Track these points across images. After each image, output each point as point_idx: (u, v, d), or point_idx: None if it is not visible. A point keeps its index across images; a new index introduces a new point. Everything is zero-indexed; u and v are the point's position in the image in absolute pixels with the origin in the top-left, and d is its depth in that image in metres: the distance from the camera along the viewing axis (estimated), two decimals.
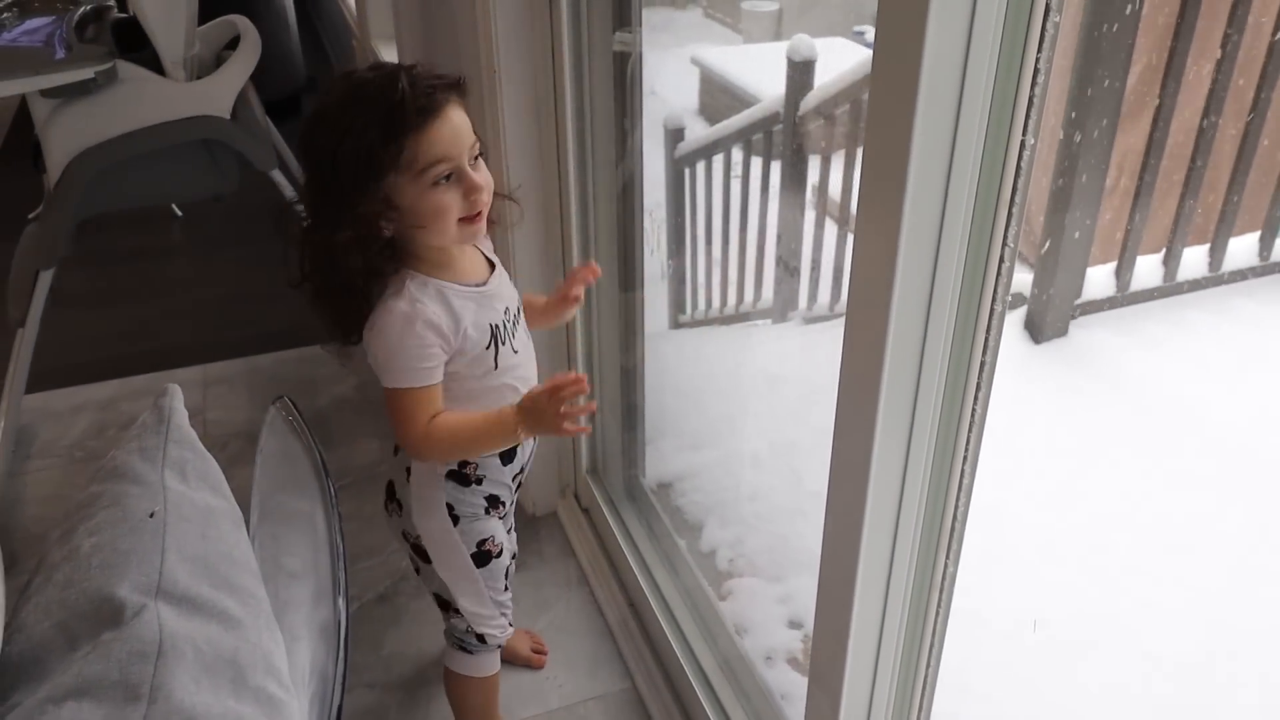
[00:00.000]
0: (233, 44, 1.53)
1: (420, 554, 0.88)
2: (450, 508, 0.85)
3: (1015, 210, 0.53)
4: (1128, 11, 1.51)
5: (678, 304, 2.15)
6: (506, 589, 0.93)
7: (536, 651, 1.17)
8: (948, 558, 0.65)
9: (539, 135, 1.15)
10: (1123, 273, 1.78)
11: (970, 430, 0.60)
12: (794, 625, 1.15)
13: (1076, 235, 1.68)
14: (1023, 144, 0.51)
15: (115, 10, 1.57)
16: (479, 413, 0.79)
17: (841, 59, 1.70)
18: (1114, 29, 1.51)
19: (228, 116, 1.47)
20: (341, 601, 0.71)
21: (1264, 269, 1.83)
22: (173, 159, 1.46)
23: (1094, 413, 1.59)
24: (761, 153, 1.91)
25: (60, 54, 1.35)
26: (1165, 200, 1.72)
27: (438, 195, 0.72)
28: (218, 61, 1.52)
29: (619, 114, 1.11)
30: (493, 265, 0.83)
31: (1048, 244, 1.71)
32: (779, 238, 1.90)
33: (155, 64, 1.42)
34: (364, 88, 0.71)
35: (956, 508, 0.63)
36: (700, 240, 2.15)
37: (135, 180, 1.46)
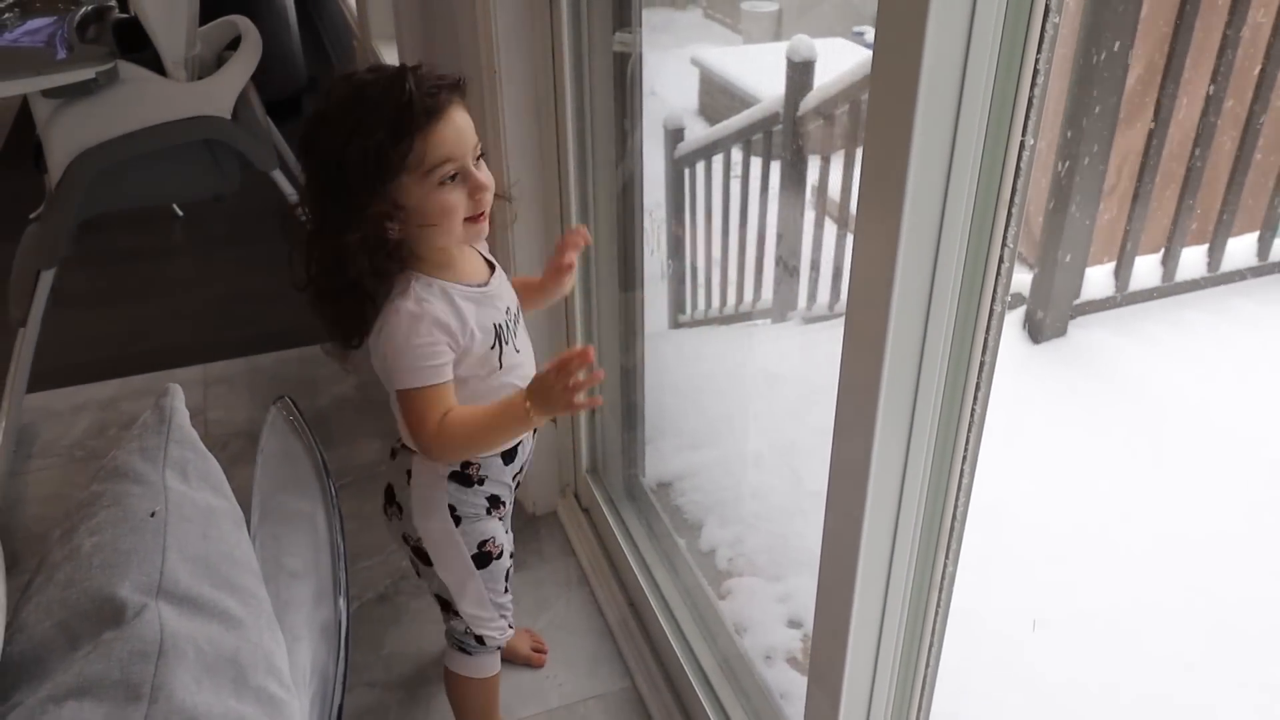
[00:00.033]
0: (234, 44, 1.53)
1: (421, 556, 0.88)
2: (452, 509, 0.85)
3: (1015, 210, 0.53)
4: (1127, 12, 1.51)
5: (677, 304, 2.15)
6: (506, 590, 0.93)
7: (536, 650, 1.17)
8: (947, 557, 0.65)
9: (539, 135, 1.15)
10: (1121, 273, 1.78)
11: (970, 430, 0.60)
12: (793, 624, 1.15)
13: (1076, 235, 1.68)
14: (1022, 144, 0.51)
15: (116, 10, 1.57)
16: (488, 405, 0.78)
17: (841, 59, 1.70)
18: (1113, 30, 1.51)
19: (229, 117, 1.47)
20: (342, 601, 0.71)
21: (1262, 269, 1.83)
22: (174, 159, 1.47)
23: (1093, 412, 1.59)
24: (761, 153, 1.91)
25: (62, 54, 1.35)
26: (1164, 200, 1.73)
27: (444, 195, 0.73)
28: (219, 62, 1.52)
29: (619, 114, 1.11)
30: (492, 266, 0.84)
31: (1046, 244, 1.71)
32: (779, 238, 1.90)
33: (156, 64, 1.43)
34: (369, 89, 0.71)
35: (956, 507, 0.63)
36: (700, 240, 2.15)
37: (136, 180, 1.46)
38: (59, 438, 1.59)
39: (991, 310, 0.57)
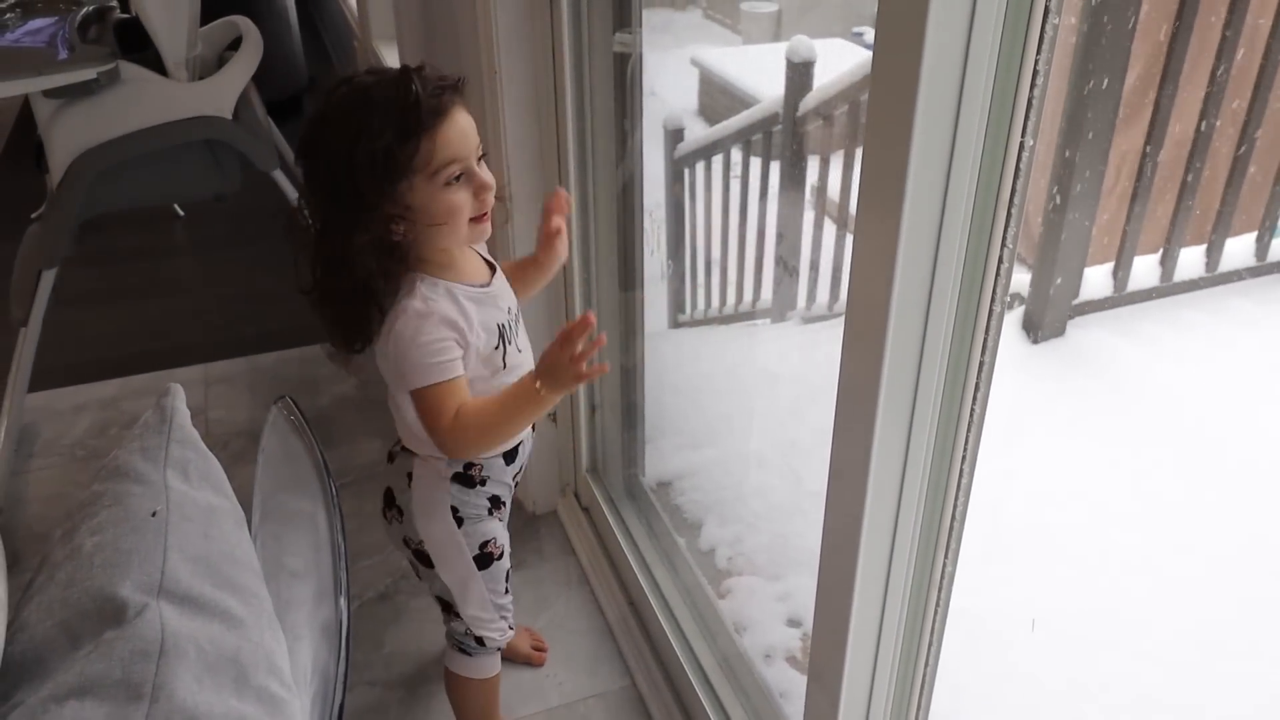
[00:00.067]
0: (235, 44, 1.53)
1: (422, 559, 0.88)
2: (455, 510, 0.85)
3: (1014, 211, 0.54)
4: (1126, 13, 1.51)
5: (677, 304, 2.16)
6: (507, 591, 0.93)
7: (536, 649, 1.17)
8: (946, 556, 0.65)
9: (539, 135, 1.15)
10: (1120, 273, 1.78)
11: (969, 429, 0.60)
12: (793, 623, 1.15)
13: (1074, 235, 1.68)
14: (1022, 145, 0.52)
15: (118, 11, 1.57)
16: (499, 394, 0.77)
17: (840, 60, 1.71)
18: (1112, 31, 1.51)
19: (230, 117, 1.47)
20: (343, 601, 0.71)
21: (1260, 269, 1.84)
22: (175, 159, 1.47)
23: (1091, 412, 1.59)
24: (761, 153, 1.91)
25: (63, 54, 1.36)
26: (1162, 201, 1.73)
27: (450, 195, 0.73)
28: (220, 62, 1.52)
29: (619, 114, 1.11)
30: (492, 267, 0.84)
31: (1045, 244, 1.71)
32: (778, 238, 1.90)
33: (157, 64, 1.43)
34: (372, 90, 0.71)
35: (955, 506, 0.63)
36: (700, 240, 2.15)
37: (137, 180, 1.46)
38: (60, 437, 1.59)
39: (991, 310, 0.57)
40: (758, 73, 2.61)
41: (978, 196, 0.53)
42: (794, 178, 1.79)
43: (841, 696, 0.69)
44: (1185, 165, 1.68)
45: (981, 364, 0.58)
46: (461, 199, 0.74)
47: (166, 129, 1.42)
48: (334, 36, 3.56)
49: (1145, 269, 1.80)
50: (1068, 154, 1.61)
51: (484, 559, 0.88)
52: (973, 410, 0.60)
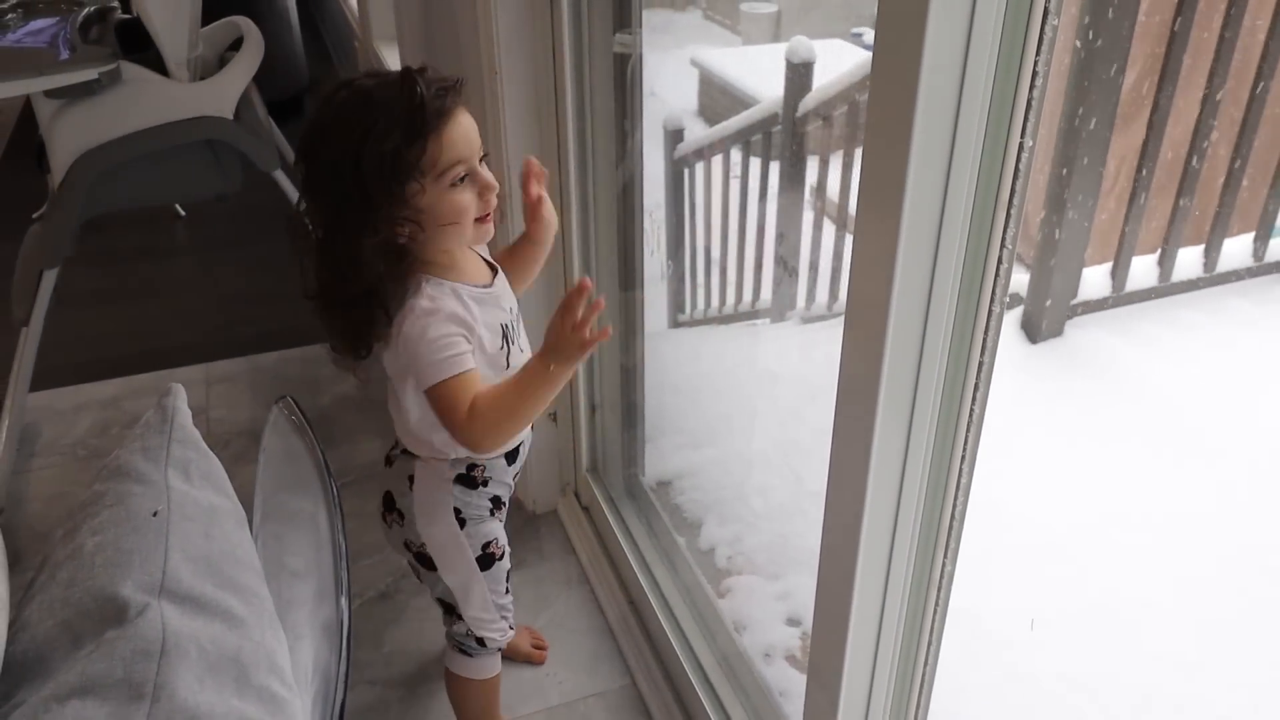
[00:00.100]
0: (236, 45, 1.53)
1: (424, 562, 0.88)
2: (457, 511, 0.85)
3: (1014, 211, 0.54)
4: (1124, 15, 1.52)
5: (677, 303, 2.16)
6: (507, 591, 0.93)
7: (537, 647, 1.17)
8: (946, 556, 0.65)
9: (540, 136, 1.15)
10: (1118, 273, 1.79)
11: (969, 429, 0.60)
12: (792, 622, 1.15)
13: (1073, 236, 1.69)
14: (1021, 146, 0.52)
15: (119, 11, 1.58)
16: (509, 380, 0.76)
17: (839, 61, 1.71)
18: (1111, 32, 1.51)
19: (231, 117, 1.47)
20: (344, 601, 0.71)
21: (1258, 269, 1.84)
22: (176, 159, 1.47)
23: (1089, 412, 1.59)
24: (760, 153, 1.91)
25: (64, 55, 1.36)
26: (1161, 201, 1.73)
27: (456, 196, 0.73)
28: (221, 63, 1.52)
29: (619, 115, 1.11)
30: (492, 269, 0.84)
31: (1044, 244, 1.71)
32: (779, 238, 1.90)
33: (159, 65, 1.43)
34: (375, 93, 0.70)
35: (955, 506, 0.63)
36: (699, 240, 2.15)
37: (139, 180, 1.47)
38: (61, 436, 1.59)
39: (990, 310, 0.57)
40: (757, 73, 2.61)
41: (977, 197, 0.53)
42: (793, 178, 1.80)
43: (841, 695, 0.69)
44: (1183, 166, 1.69)
45: (981, 364, 0.58)
46: (467, 199, 0.74)
47: (168, 129, 1.42)
48: (335, 37, 3.57)
49: (1143, 269, 1.80)
50: (1066, 154, 1.61)
51: (486, 560, 0.89)
52: (972, 410, 0.60)
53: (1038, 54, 0.49)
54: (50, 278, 1.43)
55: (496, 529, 0.89)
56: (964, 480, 0.62)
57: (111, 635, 0.50)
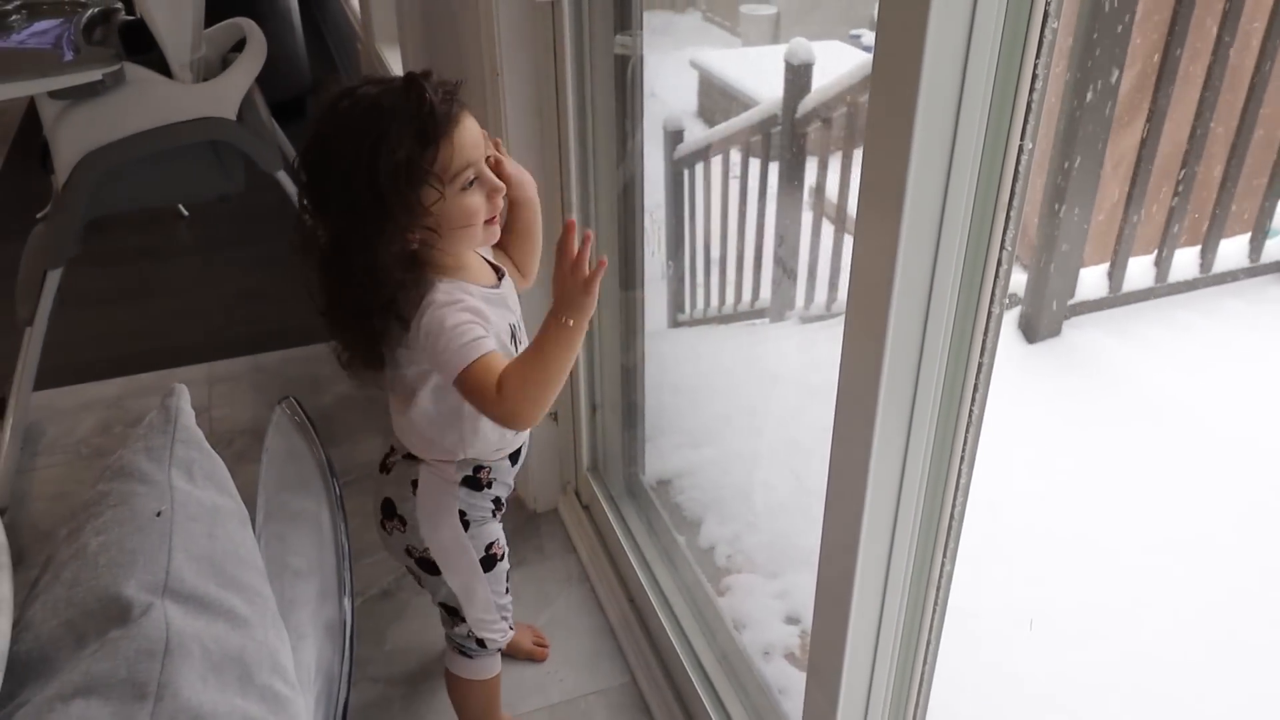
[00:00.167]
0: (239, 46, 1.54)
1: (426, 566, 0.88)
2: (462, 514, 0.85)
3: (1013, 213, 0.54)
4: (1123, 18, 1.52)
5: (676, 303, 2.16)
6: (507, 591, 0.94)
7: (538, 645, 1.18)
8: (945, 556, 0.65)
9: (541, 136, 1.16)
10: (1115, 273, 1.79)
11: (968, 430, 0.61)
12: (791, 621, 1.15)
13: (1070, 236, 1.69)
14: (1020, 148, 0.52)
15: (123, 13, 1.58)
16: (528, 348, 0.75)
17: (838, 62, 1.71)
18: (1108, 34, 1.52)
19: (234, 118, 1.48)
20: (347, 601, 0.71)
21: (1254, 270, 1.85)
22: (179, 160, 1.47)
23: (1087, 412, 1.60)
24: (760, 154, 1.92)
25: (68, 56, 1.36)
26: (1158, 202, 1.74)
27: (466, 199, 0.73)
28: (224, 64, 1.52)
29: (620, 116, 1.12)
30: (497, 272, 0.84)
31: (1042, 245, 1.72)
32: (779, 239, 1.91)
33: (162, 66, 1.43)
34: (382, 100, 0.70)
35: (954, 506, 0.63)
36: (699, 240, 2.16)
37: (142, 181, 1.47)
38: (65, 435, 1.60)
39: (990, 312, 0.57)
40: (757, 75, 2.61)
41: (977, 198, 0.53)
42: (792, 178, 1.80)
43: (840, 694, 0.69)
44: (1180, 167, 1.69)
45: (980, 364, 0.59)
46: (477, 203, 0.74)
47: (171, 130, 1.43)
48: (337, 38, 3.57)
49: (1140, 270, 1.81)
50: (1064, 156, 1.62)
51: (489, 561, 0.89)
52: (971, 410, 0.60)
53: (1038, 57, 0.49)
54: (54, 278, 1.44)
55: (498, 530, 0.90)
56: (963, 480, 0.63)
57: (115, 635, 0.51)
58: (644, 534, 1.26)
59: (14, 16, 1.48)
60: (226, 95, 1.47)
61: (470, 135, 0.73)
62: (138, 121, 1.40)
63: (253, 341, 1.85)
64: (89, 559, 0.56)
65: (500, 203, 0.76)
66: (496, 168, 0.80)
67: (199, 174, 1.51)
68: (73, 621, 0.52)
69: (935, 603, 0.67)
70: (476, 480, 0.86)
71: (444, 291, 0.75)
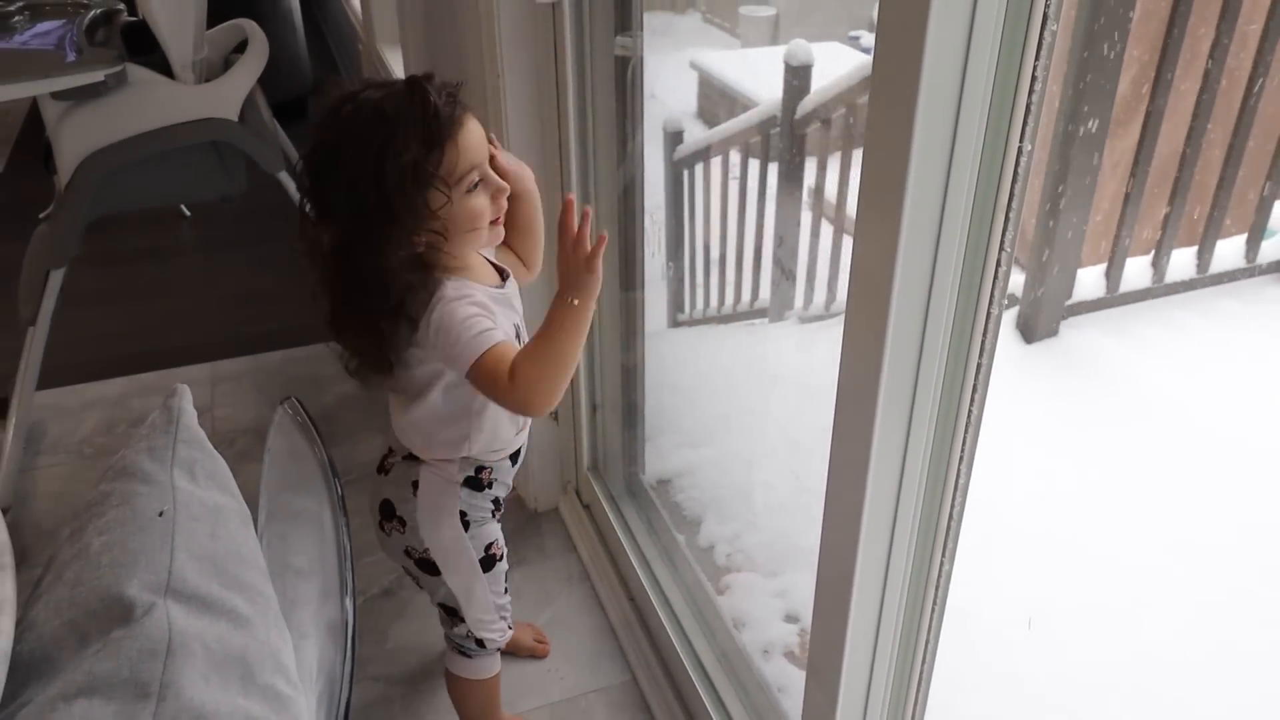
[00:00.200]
0: (240, 47, 1.54)
1: (425, 567, 0.88)
2: (463, 514, 0.86)
3: (1013, 214, 0.54)
4: (1120, 19, 1.52)
5: (676, 303, 2.16)
6: (506, 591, 0.94)
7: (539, 642, 1.18)
8: (944, 555, 0.66)
9: (542, 137, 1.16)
10: (1113, 274, 1.79)
11: (967, 429, 0.61)
12: (790, 619, 1.16)
13: (1068, 237, 1.69)
14: (1020, 150, 0.52)
15: (125, 14, 1.58)
16: (537, 332, 0.75)
17: (837, 64, 1.71)
18: (1106, 36, 1.52)
19: (236, 119, 1.48)
20: (349, 602, 0.71)
21: (1250, 270, 1.85)
22: (181, 161, 1.48)
23: (1084, 411, 1.60)
24: (759, 155, 1.92)
25: (71, 57, 1.36)
26: (1155, 203, 1.74)
27: (471, 201, 0.73)
28: (226, 65, 1.53)
29: (620, 117, 1.12)
30: (501, 272, 0.84)
31: (1039, 246, 1.72)
32: (778, 239, 1.91)
33: (164, 67, 1.43)
34: (385, 104, 0.70)
35: (953, 506, 0.64)
36: (698, 241, 2.16)
37: (144, 181, 1.47)
38: (68, 434, 1.60)
39: (989, 312, 0.57)
40: (756, 76, 2.61)
41: (976, 199, 0.53)
42: (791, 179, 1.80)
43: (840, 692, 0.69)
44: (1177, 168, 1.70)
45: (979, 365, 0.59)
46: (482, 204, 0.74)
47: (173, 131, 1.43)
48: (338, 39, 3.58)
49: (1137, 270, 1.81)
50: (1062, 157, 1.62)
51: (488, 561, 0.89)
52: (970, 411, 0.60)
53: (1037, 59, 0.49)
54: (57, 277, 1.44)
55: (497, 530, 0.90)
56: (962, 480, 0.63)
57: (118, 635, 0.51)
58: (644, 533, 1.26)
59: (17, 18, 1.48)
60: (228, 96, 1.47)
61: (474, 137, 0.73)
62: (140, 122, 1.41)
63: (254, 341, 1.86)
64: (91, 559, 0.56)
65: (504, 203, 0.76)
66: (491, 162, 0.80)
67: (201, 174, 1.52)
68: (75, 621, 0.52)
69: (934, 601, 0.67)
70: (478, 481, 0.86)
71: (452, 288, 0.75)
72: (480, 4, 1.08)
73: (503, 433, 0.85)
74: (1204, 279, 1.83)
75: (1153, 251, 1.81)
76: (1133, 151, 1.67)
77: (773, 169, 1.88)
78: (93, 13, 1.50)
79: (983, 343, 0.58)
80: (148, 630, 0.51)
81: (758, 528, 1.33)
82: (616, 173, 1.16)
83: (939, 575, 0.66)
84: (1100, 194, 1.70)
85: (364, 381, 0.80)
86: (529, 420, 0.89)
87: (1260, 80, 1.62)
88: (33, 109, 2.59)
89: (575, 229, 0.71)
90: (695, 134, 2.15)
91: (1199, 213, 1.79)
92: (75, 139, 1.39)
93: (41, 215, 1.52)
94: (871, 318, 0.56)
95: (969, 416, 0.60)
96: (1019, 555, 1.31)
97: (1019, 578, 1.28)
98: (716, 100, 2.80)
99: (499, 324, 0.76)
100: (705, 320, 2.17)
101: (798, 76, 1.72)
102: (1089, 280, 1.79)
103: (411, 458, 0.86)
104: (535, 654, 1.17)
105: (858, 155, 1.72)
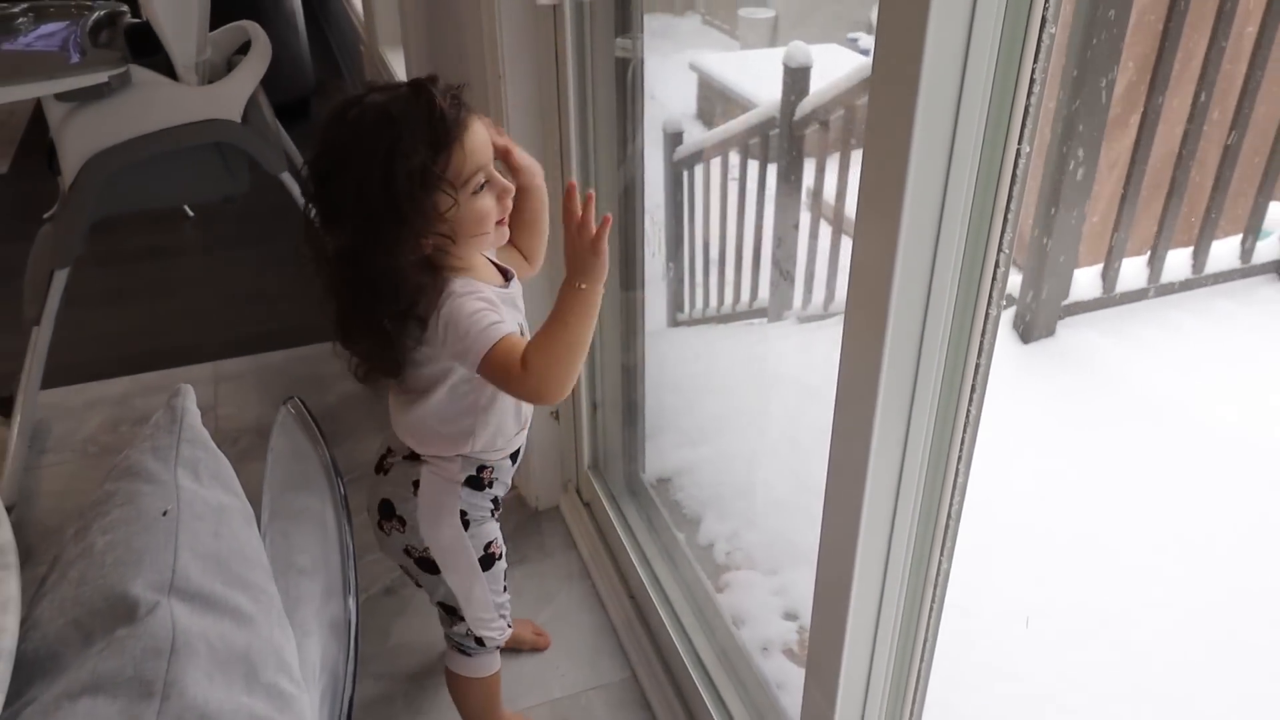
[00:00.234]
0: (243, 49, 1.54)
1: (425, 566, 0.88)
2: (463, 514, 0.86)
3: (1011, 215, 0.54)
4: (1117, 21, 1.52)
5: (676, 303, 2.17)
6: (505, 590, 0.94)
7: (538, 635, 1.19)
8: (942, 554, 0.66)
9: (543, 138, 1.16)
10: (1109, 274, 1.80)
11: (965, 430, 0.61)
12: (789, 617, 1.16)
13: (1064, 238, 1.70)
14: (1018, 152, 0.52)
15: (129, 16, 1.59)
16: (546, 319, 0.75)
17: (835, 65, 1.72)
18: (1102, 38, 1.52)
19: (239, 120, 1.48)
20: (351, 601, 0.71)
21: (1245, 271, 1.85)
22: (185, 161, 1.48)
23: (1080, 410, 1.60)
24: (758, 156, 1.92)
25: (75, 58, 1.37)
26: (1150, 204, 1.74)
27: (478, 202, 0.74)
28: (229, 66, 1.53)
29: (620, 118, 1.12)
30: (505, 273, 0.84)
31: (1036, 246, 1.72)
32: (777, 240, 1.91)
33: (168, 68, 1.44)
34: (391, 108, 0.69)
35: (951, 505, 0.64)
36: (698, 241, 2.16)
37: (148, 182, 1.48)
38: (72, 433, 1.61)
39: (987, 313, 0.57)
40: (755, 78, 2.61)
41: (975, 201, 0.54)
42: (790, 180, 1.81)
43: (838, 689, 0.70)
44: (1173, 169, 1.70)
45: (978, 365, 0.59)
46: (488, 205, 0.74)
47: (176, 132, 1.43)
48: (340, 41, 3.58)
49: (1133, 271, 1.82)
50: (1059, 158, 1.62)
51: (487, 560, 0.90)
52: (969, 411, 0.60)
53: (1035, 61, 0.50)
54: (61, 277, 1.45)
55: (496, 530, 0.91)
56: (960, 480, 0.63)
57: (122, 633, 0.51)
58: (644, 531, 1.27)
59: (21, 19, 1.48)
60: (231, 97, 1.48)
61: (480, 139, 0.73)
62: (143, 123, 1.41)
63: (257, 340, 1.86)
64: (96, 558, 0.56)
65: (510, 204, 0.77)
66: (506, 156, 0.81)
67: (204, 175, 1.52)
68: (80, 620, 0.53)
69: (932, 600, 0.68)
70: (479, 480, 0.86)
71: (460, 285, 0.75)
72: (482, 6, 1.09)
73: (506, 429, 0.85)
74: (1199, 279, 1.84)
75: (1148, 252, 1.82)
76: (1129, 153, 1.68)
77: (772, 170, 1.89)
78: (96, 14, 1.51)
79: (981, 342, 0.58)
80: (152, 629, 0.51)
81: (757, 526, 1.33)
82: (617, 173, 1.17)
83: (937, 573, 0.67)
84: (1096, 195, 1.70)
85: (372, 386, 0.80)
86: (529, 419, 0.89)
87: (1256, 78, 1.62)
88: (37, 110, 2.60)
89: (579, 214, 0.72)
90: (695, 135, 2.15)
91: (1194, 213, 1.80)
92: (79, 140, 1.40)
93: (46, 216, 1.53)
94: (871, 317, 0.56)
95: (967, 415, 0.61)
96: (1017, 553, 1.31)
97: (1017, 576, 1.28)
98: (716, 102, 2.79)
99: (506, 319, 0.76)
100: (705, 320, 2.18)
101: (796, 78, 1.73)
102: (1085, 281, 1.80)
103: (412, 457, 0.86)
104: (536, 647, 1.18)
105: (856, 156, 1.72)
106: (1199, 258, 1.83)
